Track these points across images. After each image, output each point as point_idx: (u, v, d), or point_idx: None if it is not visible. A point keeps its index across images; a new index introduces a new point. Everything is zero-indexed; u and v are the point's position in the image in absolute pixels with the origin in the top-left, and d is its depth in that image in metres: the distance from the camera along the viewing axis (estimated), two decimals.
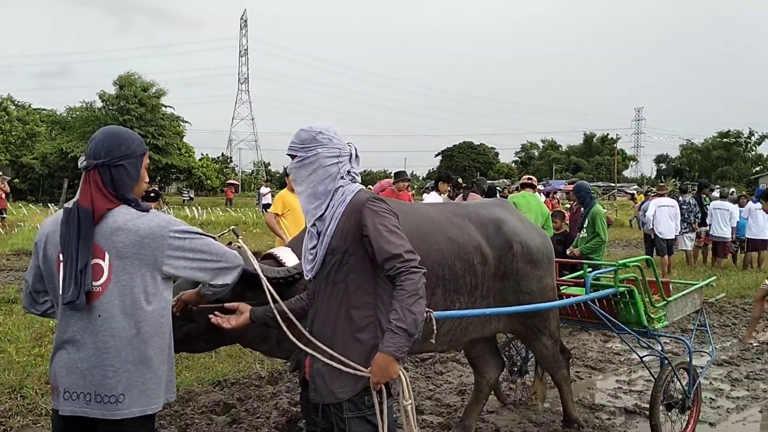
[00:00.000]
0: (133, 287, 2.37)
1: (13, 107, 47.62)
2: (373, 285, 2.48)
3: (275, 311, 2.67)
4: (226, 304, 2.81)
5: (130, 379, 2.37)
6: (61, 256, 2.39)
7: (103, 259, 2.36)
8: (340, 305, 2.48)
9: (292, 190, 7.38)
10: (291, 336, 2.60)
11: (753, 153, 76.90)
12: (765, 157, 77.06)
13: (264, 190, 28.41)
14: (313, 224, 2.57)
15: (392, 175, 10.64)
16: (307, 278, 2.62)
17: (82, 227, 2.34)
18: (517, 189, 11.02)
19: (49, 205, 29.03)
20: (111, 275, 2.35)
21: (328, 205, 2.53)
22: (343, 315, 2.47)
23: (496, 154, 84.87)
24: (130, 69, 43.13)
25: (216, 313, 2.78)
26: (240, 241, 3.02)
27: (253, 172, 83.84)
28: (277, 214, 7.15)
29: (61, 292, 2.37)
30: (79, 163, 2.49)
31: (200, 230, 2.53)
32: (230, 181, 47.50)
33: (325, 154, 2.54)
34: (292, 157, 2.59)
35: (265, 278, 2.73)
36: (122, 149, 2.44)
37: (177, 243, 2.42)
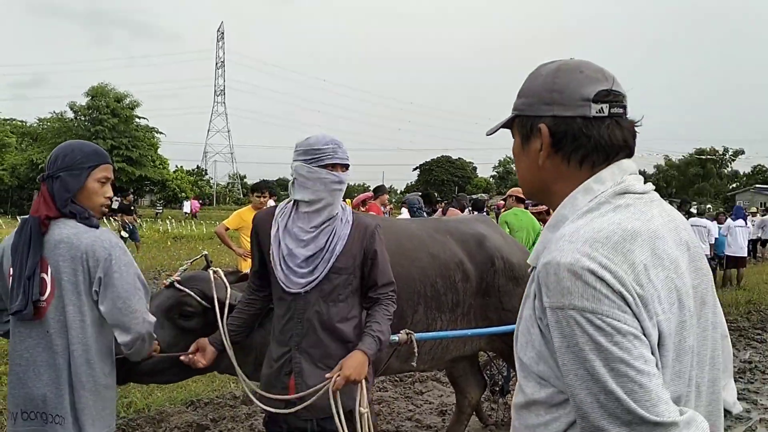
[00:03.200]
0: (70, 304, 2.32)
1: None
2: (361, 298, 2.62)
3: (225, 342, 2.70)
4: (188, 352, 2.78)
5: (80, 400, 2.33)
6: (11, 269, 2.36)
7: (47, 273, 2.32)
8: (338, 321, 2.51)
9: (257, 208, 7.48)
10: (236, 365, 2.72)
11: (729, 169, 78.30)
12: (741, 173, 78.48)
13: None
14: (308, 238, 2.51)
15: (371, 189, 10.95)
16: (291, 292, 2.49)
17: (32, 236, 2.32)
18: (504, 201, 11.00)
19: (18, 217, 28.43)
20: (53, 290, 2.32)
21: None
22: (339, 331, 2.51)
23: (474, 168, 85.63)
24: (105, 80, 42.99)
25: (189, 354, 2.75)
26: (210, 270, 3.04)
27: (228, 184, 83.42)
28: (227, 228, 7.58)
29: (9, 302, 2.34)
30: (38, 178, 2.48)
31: (141, 276, 2.42)
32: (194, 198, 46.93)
33: None
34: (346, 167, 2.55)
35: (218, 303, 2.80)
36: (65, 161, 2.39)
37: (108, 270, 2.32)
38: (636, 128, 1.32)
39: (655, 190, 1.30)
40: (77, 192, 2.38)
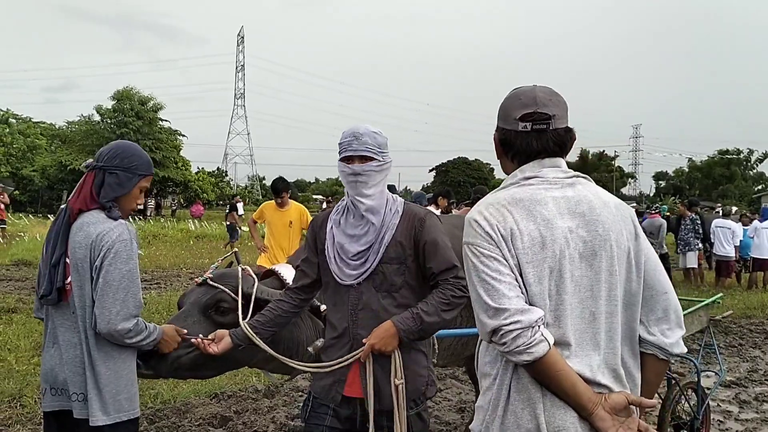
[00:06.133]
0: (86, 287, 2.40)
1: (14, 120, 47.86)
2: (423, 289, 2.52)
3: (244, 327, 2.68)
4: (202, 337, 2.77)
5: (100, 379, 2.38)
6: (44, 254, 2.48)
7: (69, 257, 2.42)
8: (394, 312, 2.45)
9: (280, 206, 7.65)
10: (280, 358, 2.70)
11: (754, 171, 76.36)
12: (767, 176, 76.42)
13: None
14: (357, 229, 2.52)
15: None
16: (345, 284, 2.51)
17: (63, 225, 2.44)
18: None
19: (49, 216, 28.91)
20: (71, 274, 2.42)
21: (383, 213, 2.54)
22: None
23: (492, 170, 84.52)
24: (132, 83, 43.71)
25: (200, 338, 2.76)
26: (240, 267, 3.09)
27: (247, 186, 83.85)
28: (255, 221, 8.21)
29: (37, 287, 2.47)
30: (83, 165, 2.58)
31: (134, 278, 2.42)
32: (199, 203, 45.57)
33: (390, 161, 2.60)
34: (368, 158, 2.50)
35: (242, 299, 2.85)
36: (124, 161, 2.50)
37: (104, 261, 2.36)
38: (571, 134, 1.84)
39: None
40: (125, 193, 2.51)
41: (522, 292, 1.67)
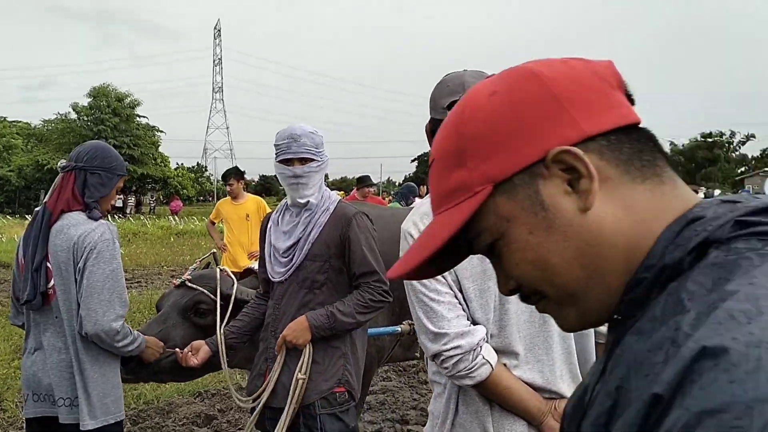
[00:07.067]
0: (71, 291, 2.39)
1: None
2: (345, 287, 2.54)
3: (219, 334, 2.71)
4: (178, 349, 2.79)
5: (87, 383, 2.38)
6: (22, 258, 2.44)
7: (50, 261, 2.40)
8: (315, 307, 2.48)
9: (234, 199, 7.41)
10: (223, 361, 2.69)
11: (737, 154, 76.58)
12: (750, 157, 76.69)
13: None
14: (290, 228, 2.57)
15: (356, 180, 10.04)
16: (275, 280, 2.58)
17: (42, 227, 2.40)
18: None
19: (27, 216, 28.57)
20: (54, 277, 2.40)
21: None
22: None
23: None
24: (111, 80, 43.43)
25: (178, 351, 2.78)
26: (218, 268, 3.09)
27: None
28: (213, 222, 7.85)
29: (20, 292, 2.43)
30: (58, 165, 2.54)
31: (118, 277, 2.41)
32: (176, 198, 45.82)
33: (327, 158, 2.61)
34: (307, 160, 2.52)
35: (220, 303, 2.85)
36: (105, 161, 2.50)
37: (87, 262, 2.36)
38: None
39: None
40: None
41: (463, 310, 1.59)
